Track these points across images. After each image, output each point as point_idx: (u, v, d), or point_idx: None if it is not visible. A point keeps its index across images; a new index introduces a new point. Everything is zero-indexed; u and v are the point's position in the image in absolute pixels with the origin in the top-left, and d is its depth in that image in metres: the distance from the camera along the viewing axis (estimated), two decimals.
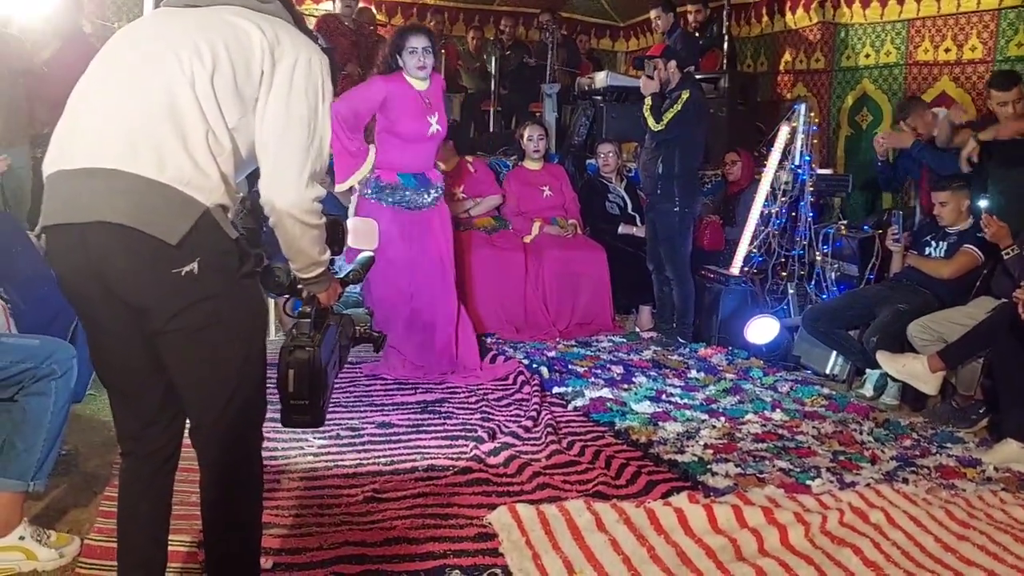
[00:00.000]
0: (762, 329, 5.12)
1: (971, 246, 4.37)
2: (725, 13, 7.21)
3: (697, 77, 6.67)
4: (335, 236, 2.00)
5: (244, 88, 1.81)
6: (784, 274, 5.50)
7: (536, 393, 4.18)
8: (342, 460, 3.30)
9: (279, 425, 2.01)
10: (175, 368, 1.84)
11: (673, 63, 5.17)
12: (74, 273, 1.80)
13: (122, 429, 1.98)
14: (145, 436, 1.96)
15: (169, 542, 2.08)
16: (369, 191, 4.42)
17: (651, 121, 5.09)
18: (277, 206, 1.84)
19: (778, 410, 4.09)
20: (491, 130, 7.88)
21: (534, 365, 4.67)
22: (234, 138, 1.82)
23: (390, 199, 4.40)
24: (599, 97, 7.13)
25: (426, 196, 4.45)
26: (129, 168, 1.72)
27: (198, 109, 1.77)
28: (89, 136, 1.77)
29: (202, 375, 1.84)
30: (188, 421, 1.96)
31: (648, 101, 5.15)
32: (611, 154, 6.13)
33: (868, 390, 4.50)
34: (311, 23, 7.40)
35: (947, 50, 6.00)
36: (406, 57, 4.33)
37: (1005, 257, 4.12)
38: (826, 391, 4.43)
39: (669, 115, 5.03)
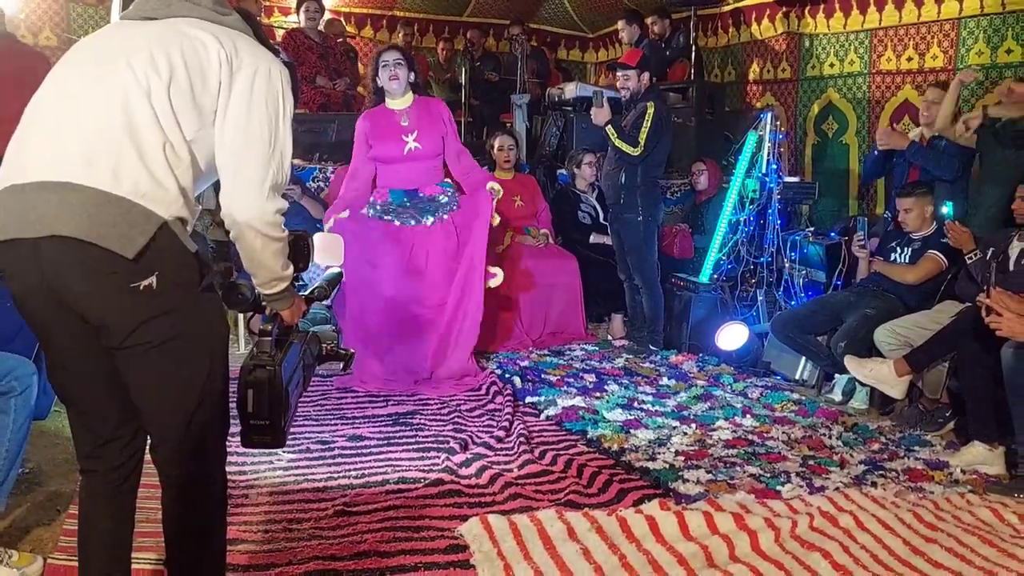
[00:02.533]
0: (732, 336, 5.14)
1: (935, 251, 4.41)
2: (692, 24, 7.26)
3: (664, 87, 6.72)
4: (300, 252, 1.98)
5: (202, 99, 1.79)
6: (753, 281, 5.52)
7: (508, 403, 4.17)
8: (312, 474, 3.26)
9: None
10: (134, 384, 1.81)
11: (647, 74, 5.18)
12: (28, 289, 1.76)
13: (81, 447, 1.94)
14: (105, 454, 1.92)
15: (134, 559, 2.04)
16: (366, 211, 4.56)
17: (628, 149, 5.03)
18: (237, 218, 1.82)
19: (748, 416, 4.10)
20: (462, 141, 7.86)
21: (507, 375, 4.66)
22: (192, 150, 1.80)
23: (382, 215, 4.52)
24: (569, 107, 7.15)
25: (420, 212, 4.44)
26: (84, 181, 1.69)
27: (154, 120, 1.74)
28: (42, 150, 1.74)
29: (162, 391, 1.80)
30: (149, 438, 1.91)
31: (611, 131, 5.08)
32: (592, 164, 6.11)
33: (837, 395, 4.52)
34: (279, 35, 7.36)
35: (909, 59, 6.07)
36: (380, 74, 4.47)
37: (968, 262, 4.16)
38: (795, 396, 4.45)
39: (643, 135, 5.00)
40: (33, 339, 3.07)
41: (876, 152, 5.16)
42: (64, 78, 1.83)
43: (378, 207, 4.54)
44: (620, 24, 7.68)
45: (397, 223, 4.48)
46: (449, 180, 4.62)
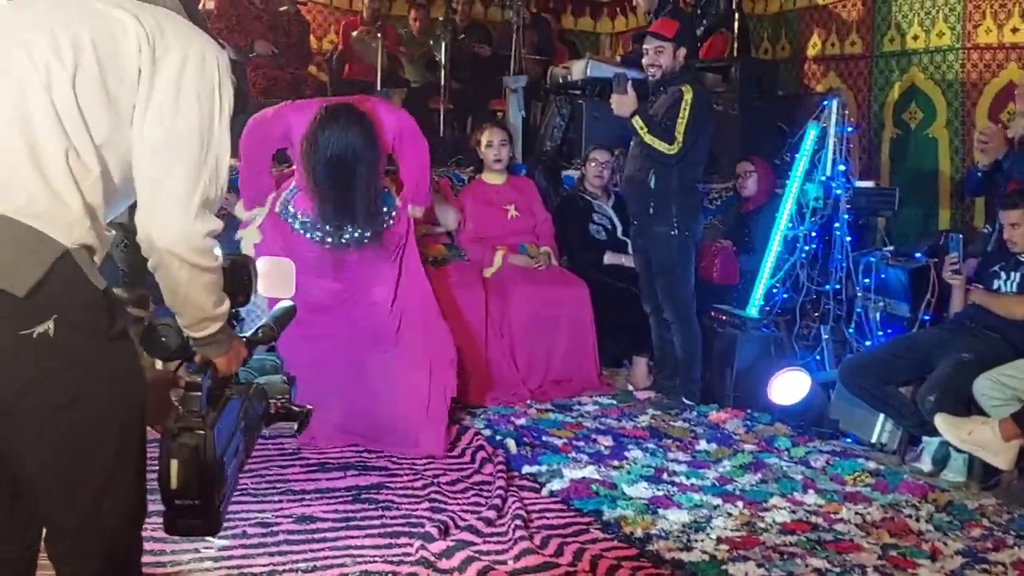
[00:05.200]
0: (789, 386, 5.15)
1: None
2: None
3: (699, 66, 6.78)
4: (239, 282, 1.99)
5: (116, 92, 1.81)
6: (816, 315, 5.54)
7: (500, 474, 4.16)
8: (250, 566, 3.26)
9: None
10: (24, 460, 1.82)
11: (683, 50, 5.21)
12: None
13: None
14: None
15: None
16: (279, 208, 4.55)
17: (662, 146, 5.05)
18: (157, 243, 1.84)
19: (811, 491, 4.11)
20: (441, 135, 7.92)
21: (498, 437, 4.67)
22: (103, 158, 1.82)
23: (305, 232, 4.50)
24: (577, 91, 7.21)
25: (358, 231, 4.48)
26: None
27: (55, 120, 1.76)
28: None
29: (60, 469, 1.81)
30: (44, 529, 1.92)
31: (639, 124, 5.11)
32: (606, 165, 6.16)
33: (926, 464, 4.52)
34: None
35: (1014, 30, 6.14)
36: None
37: None
38: (872, 466, 4.46)
39: (681, 128, 5.03)
40: None
41: (979, 172, 5.07)
42: None
43: (299, 218, 4.54)
44: None
45: (330, 242, 4.49)
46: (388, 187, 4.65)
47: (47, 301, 1.72)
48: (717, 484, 4.19)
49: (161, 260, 1.85)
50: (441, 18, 8.88)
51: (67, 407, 1.77)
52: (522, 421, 4.98)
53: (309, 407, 2.28)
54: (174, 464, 1.86)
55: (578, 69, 7.22)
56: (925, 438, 4.57)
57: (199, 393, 1.92)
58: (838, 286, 5.50)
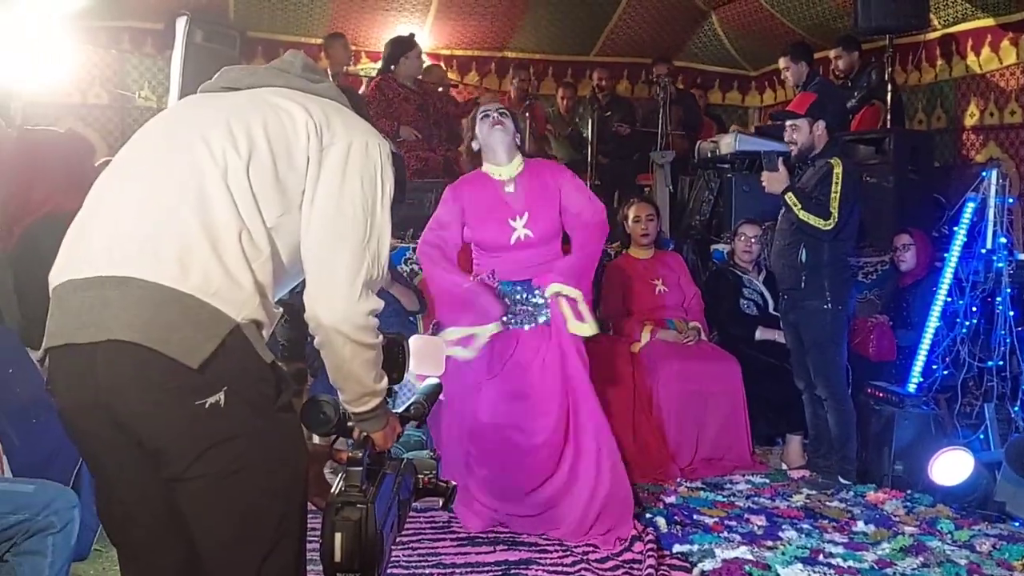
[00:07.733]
0: (951, 466, 4.98)
1: None
2: (887, 57, 7.27)
3: (849, 138, 6.72)
4: (394, 360, 2.06)
5: (287, 179, 1.94)
6: (979, 392, 5.37)
7: (651, 553, 4.13)
8: None
9: None
10: (196, 524, 1.90)
11: (822, 124, 5.20)
12: (81, 405, 1.88)
13: None
14: None
15: None
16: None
17: (818, 222, 5.01)
18: (323, 322, 1.93)
19: None
20: None
21: (648, 515, 4.64)
22: (273, 240, 1.93)
23: None
24: (726, 165, 7.21)
25: (537, 310, 4.47)
26: (146, 275, 1.81)
27: (231, 205, 1.88)
28: (102, 239, 1.89)
29: (228, 533, 1.89)
30: None
31: (793, 200, 5.07)
32: (755, 239, 6.14)
33: None
34: (363, 85, 7.72)
35: None
36: (479, 127, 4.52)
37: None
38: None
39: (835, 203, 4.99)
40: (71, 462, 3.29)
41: None
42: (133, 158, 2.01)
43: None
44: (782, 63, 7.77)
45: (507, 325, 4.50)
46: None
47: (218, 373, 1.81)
48: (876, 567, 4.07)
49: (327, 337, 1.94)
50: (587, 95, 9.08)
51: (234, 476, 1.85)
52: (672, 499, 4.94)
53: (454, 483, 2.33)
54: (338, 537, 1.92)
55: (726, 143, 7.22)
56: None
57: (360, 468, 1.98)
58: (1001, 362, 5.34)
